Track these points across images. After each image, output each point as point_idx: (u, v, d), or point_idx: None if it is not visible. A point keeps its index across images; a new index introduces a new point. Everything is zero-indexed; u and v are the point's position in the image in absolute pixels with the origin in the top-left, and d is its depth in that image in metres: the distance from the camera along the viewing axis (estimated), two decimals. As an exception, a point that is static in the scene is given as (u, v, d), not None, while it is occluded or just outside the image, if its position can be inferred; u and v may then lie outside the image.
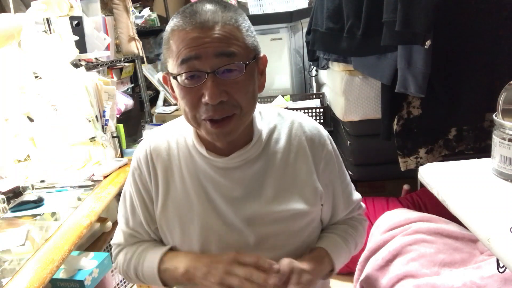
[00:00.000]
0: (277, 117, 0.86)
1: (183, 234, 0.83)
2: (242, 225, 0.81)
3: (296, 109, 2.32)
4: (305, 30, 2.34)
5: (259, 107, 0.84)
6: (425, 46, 1.21)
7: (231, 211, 0.81)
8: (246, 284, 0.71)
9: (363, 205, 0.99)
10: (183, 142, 0.84)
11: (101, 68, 2.28)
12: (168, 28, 0.72)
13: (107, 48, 2.23)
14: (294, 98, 2.61)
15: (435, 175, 0.92)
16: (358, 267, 1.44)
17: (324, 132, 0.88)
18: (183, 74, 0.69)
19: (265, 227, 0.81)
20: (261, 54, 0.77)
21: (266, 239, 0.82)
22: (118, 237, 0.96)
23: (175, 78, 0.71)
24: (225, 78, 0.69)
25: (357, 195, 0.96)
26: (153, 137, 0.87)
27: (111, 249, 1.78)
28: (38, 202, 1.37)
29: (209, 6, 0.70)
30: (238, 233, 0.81)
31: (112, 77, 2.48)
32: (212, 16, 0.69)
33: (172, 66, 0.71)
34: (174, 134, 0.86)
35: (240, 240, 0.81)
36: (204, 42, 0.67)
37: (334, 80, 2.02)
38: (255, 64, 0.75)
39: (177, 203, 0.83)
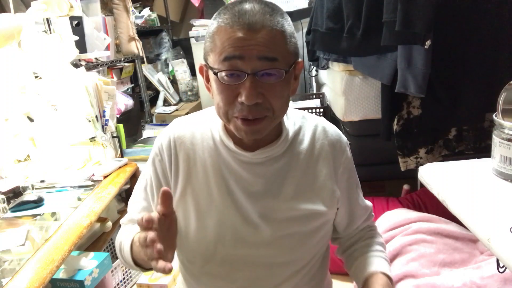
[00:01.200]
0: (302, 119, 0.89)
1: (199, 223, 0.84)
2: (258, 220, 0.82)
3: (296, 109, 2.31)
4: (305, 30, 2.34)
5: None
6: (425, 46, 1.21)
7: (249, 205, 0.82)
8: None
9: (373, 213, 1.01)
10: (209, 134, 0.86)
11: (101, 68, 2.29)
12: (214, 22, 0.74)
13: (107, 48, 2.23)
14: (294, 98, 2.61)
15: (435, 175, 0.92)
16: (358, 267, 1.44)
17: (345, 139, 0.91)
18: (224, 72, 0.71)
19: (280, 224, 0.83)
20: (299, 59, 0.79)
21: (281, 238, 0.83)
22: (124, 219, 0.97)
23: (215, 74, 0.73)
24: (263, 81, 0.71)
25: (368, 202, 0.99)
26: (178, 126, 0.89)
27: (111, 249, 1.79)
28: (38, 202, 1.37)
29: (258, 7, 0.71)
30: (254, 228, 0.82)
31: (112, 77, 2.48)
32: (261, 19, 0.70)
33: (213, 60, 0.73)
34: (200, 125, 0.87)
35: (256, 234, 0.82)
36: (249, 44, 0.69)
37: (334, 80, 2.02)
38: (293, 70, 0.77)
39: (196, 192, 0.84)
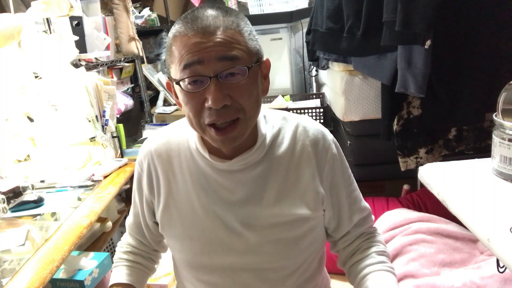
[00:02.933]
0: (282, 121, 0.85)
1: (184, 234, 0.84)
2: (242, 229, 0.81)
3: (296, 109, 2.32)
4: (305, 30, 2.34)
5: (264, 111, 0.84)
6: (425, 46, 1.21)
7: (231, 214, 0.81)
8: None
9: (373, 216, 0.95)
10: (186, 144, 0.84)
11: (101, 68, 2.28)
12: (170, 34, 0.73)
13: (107, 48, 2.23)
14: (294, 98, 2.61)
15: (435, 175, 0.92)
16: (358, 267, 1.44)
17: (329, 136, 0.86)
18: (186, 79, 0.69)
19: (264, 231, 0.81)
20: (264, 58, 0.77)
21: (267, 245, 0.81)
22: (123, 237, 1.02)
23: (178, 83, 0.71)
24: (228, 82, 0.69)
25: (365, 204, 0.93)
26: (154, 139, 0.88)
27: (111, 249, 1.79)
28: (38, 202, 1.37)
29: (210, 12, 0.70)
30: (238, 236, 0.81)
31: (112, 77, 2.48)
32: (214, 21, 0.69)
33: (175, 71, 0.71)
34: (176, 136, 0.86)
35: (241, 243, 0.81)
36: (206, 47, 0.67)
37: (334, 80, 2.02)
38: (258, 67, 0.74)
39: (179, 204, 0.84)
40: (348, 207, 0.88)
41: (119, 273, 0.94)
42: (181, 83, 0.70)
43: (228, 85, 0.69)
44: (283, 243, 0.82)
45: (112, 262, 0.98)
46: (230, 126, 0.71)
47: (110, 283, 0.92)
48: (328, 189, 0.84)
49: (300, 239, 0.83)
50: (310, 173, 0.82)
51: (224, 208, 0.81)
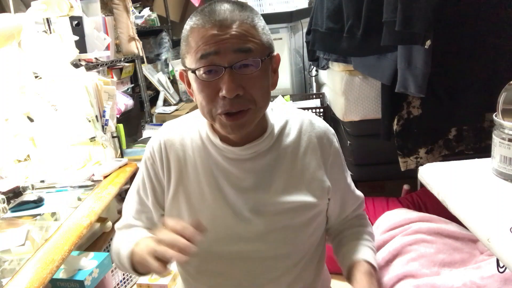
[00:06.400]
0: (289, 114, 0.91)
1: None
2: (250, 215, 0.83)
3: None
4: (305, 30, 2.34)
5: (271, 105, 0.88)
6: (425, 46, 1.21)
7: (240, 201, 0.84)
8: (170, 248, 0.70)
9: (363, 203, 1.03)
10: (197, 133, 0.87)
11: (101, 68, 2.28)
12: (187, 26, 0.76)
13: (107, 48, 2.23)
14: (294, 98, 2.61)
15: (435, 175, 0.92)
16: (358, 267, 1.44)
17: (331, 131, 0.93)
18: (202, 69, 0.73)
19: (273, 217, 0.84)
20: (275, 53, 0.81)
21: (274, 231, 0.84)
22: (119, 224, 0.97)
23: (193, 72, 0.74)
24: (241, 73, 0.73)
25: (359, 192, 1.01)
26: (167, 129, 0.91)
27: (111, 249, 1.78)
28: (38, 202, 1.37)
29: (227, 6, 0.74)
30: (246, 223, 0.83)
31: (112, 77, 2.49)
32: (231, 15, 0.73)
33: (191, 61, 0.75)
34: (188, 126, 0.89)
35: (248, 230, 0.84)
36: (223, 39, 0.71)
37: (334, 80, 2.02)
38: (269, 61, 0.78)
39: (188, 192, 0.85)
40: (351, 196, 0.96)
41: (137, 232, 0.88)
42: (196, 72, 0.74)
43: (241, 76, 0.73)
44: (289, 230, 0.85)
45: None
46: (240, 113, 0.75)
47: (125, 243, 0.85)
48: (333, 179, 0.89)
49: (305, 226, 0.87)
50: (316, 164, 0.87)
51: (233, 195, 0.84)
